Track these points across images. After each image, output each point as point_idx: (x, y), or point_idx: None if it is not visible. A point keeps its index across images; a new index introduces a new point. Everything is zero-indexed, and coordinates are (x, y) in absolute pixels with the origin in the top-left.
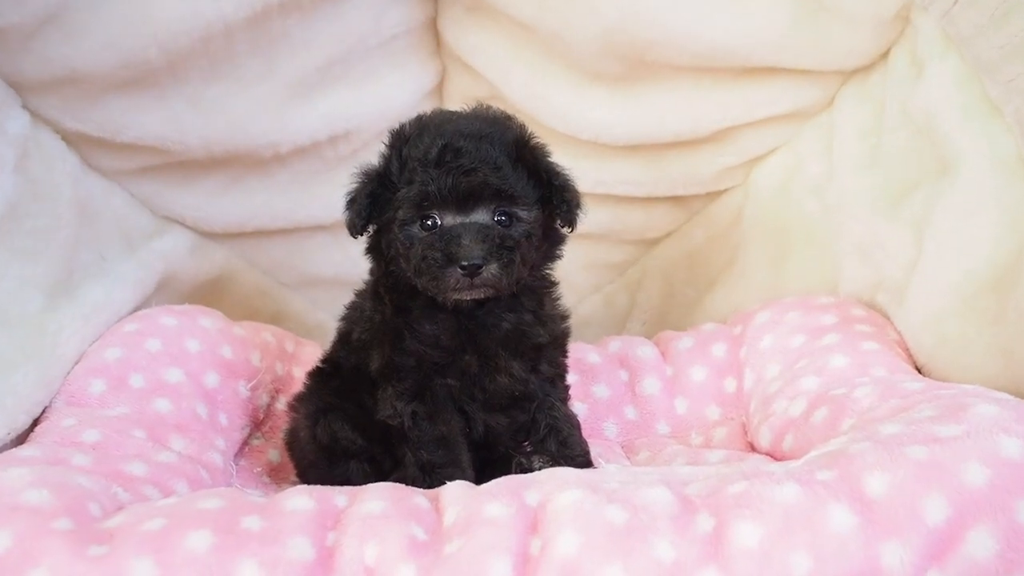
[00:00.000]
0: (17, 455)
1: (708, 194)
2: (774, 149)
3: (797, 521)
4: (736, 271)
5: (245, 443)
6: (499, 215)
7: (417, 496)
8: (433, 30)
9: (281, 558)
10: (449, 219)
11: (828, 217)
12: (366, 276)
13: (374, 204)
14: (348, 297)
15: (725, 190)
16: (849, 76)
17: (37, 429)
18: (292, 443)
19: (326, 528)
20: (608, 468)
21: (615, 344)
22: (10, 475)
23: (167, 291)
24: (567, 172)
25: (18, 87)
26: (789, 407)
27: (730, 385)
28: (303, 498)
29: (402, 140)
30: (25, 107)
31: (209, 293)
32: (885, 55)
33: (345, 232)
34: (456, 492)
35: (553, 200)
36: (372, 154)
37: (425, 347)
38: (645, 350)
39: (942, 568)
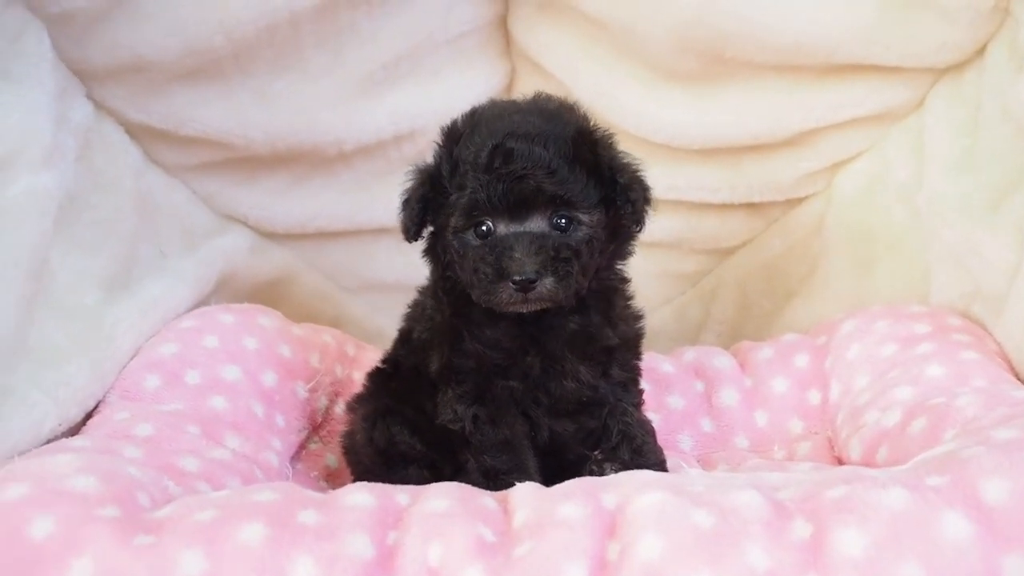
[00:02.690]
0: (67, 444)
1: (787, 201)
2: (859, 153)
3: (906, 528)
4: (817, 281)
5: (302, 446)
6: (557, 220)
7: (484, 496)
8: (502, 29)
9: (339, 555)
10: (502, 227)
11: (917, 224)
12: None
13: (427, 208)
14: (409, 304)
15: (805, 197)
16: (941, 74)
17: (90, 422)
18: (349, 446)
19: (387, 526)
20: (691, 472)
21: (689, 354)
22: (56, 460)
23: (226, 291)
24: (636, 164)
25: (83, 75)
26: (882, 418)
27: (814, 397)
28: (363, 494)
29: (454, 138)
30: (89, 97)
31: (268, 295)
32: (981, 51)
33: None
34: (526, 493)
35: (618, 199)
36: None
37: (485, 348)
38: (722, 360)
39: None
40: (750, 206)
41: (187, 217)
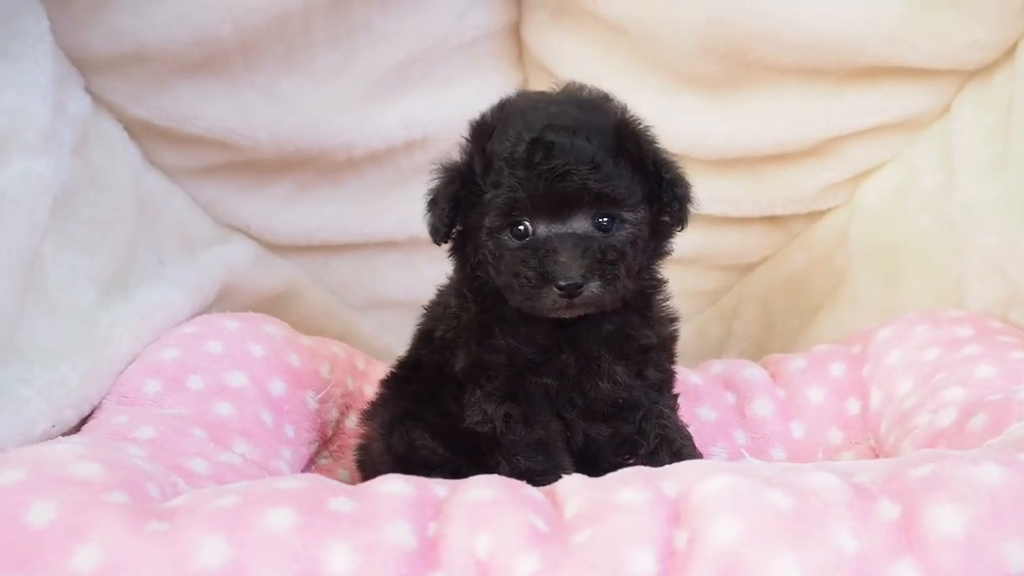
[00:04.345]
0: (64, 439)
1: (809, 214)
2: (883, 163)
3: (1007, 504)
4: (843, 295)
5: (312, 461)
6: (600, 220)
7: (528, 488)
8: (515, 37)
9: (378, 543)
10: (542, 228)
11: (945, 233)
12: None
13: (458, 207)
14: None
15: (828, 210)
16: (967, 79)
17: (85, 426)
18: (364, 459)
19: (426, 517)
20: (752, 460)
21: (717, 366)
22: (57, 449)
23: (227, 304)
24: (675, 160)
25: (81, 65)
26: (935, 419)
27: (853, 406)
28: (399, 483)
29: (485, 133)
30: (87, 90)
31: (272, 310)
32: (1011, 52)
33: (417, 251)
34: (575, 483)
35: (663, 196)
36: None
37: (518, 343)
38: (752, 372)
39: None
40: (771, 220)
41: (186, 224)
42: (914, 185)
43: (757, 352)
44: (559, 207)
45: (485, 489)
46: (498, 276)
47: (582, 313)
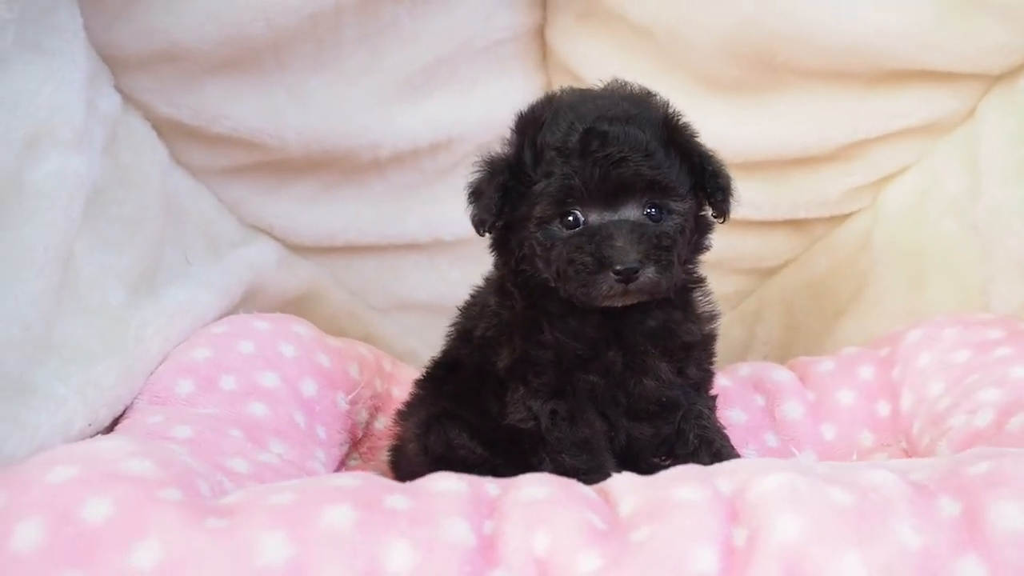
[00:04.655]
0: (110, 435)
1: (831, 218)
2: (906, 167)
3: None
4: (867, 299)
5: (342, 462)
6: (650, 208)
7: (580, 486)
8: (540, 40)
9: (437, 540)
10: (594, 216)
11: (968, 238)
12: (466, 298)
13: (505, 198)
14: (442, 324)
15: (850, 213)
16: (992, 83)
17: (119, 427)
18: (398, 460)
19: (482, 515)
20: (802, 458)
21: (745, 369)
22: (107, 445)
23: (252, 305)
24: (716, 153)
25: (112, 63)
26: (971, 420)
27: (883, 409)
28: (453, 481)
29: (534, 125)
30: (117, 88)
31: (295, 311)
32: None
33: (440, 253)
34: (627, 481)
35: (707, 187)
36: (471, 168)
37: (566, 338)
38: (780, 374)
39: None
40: (793, 223)
41: (212, 224)
42: (936, 190)
43: (780, 356)
44: (612, 195)
45: (540, 487)
46: (547, 267)
47: (634, 301)
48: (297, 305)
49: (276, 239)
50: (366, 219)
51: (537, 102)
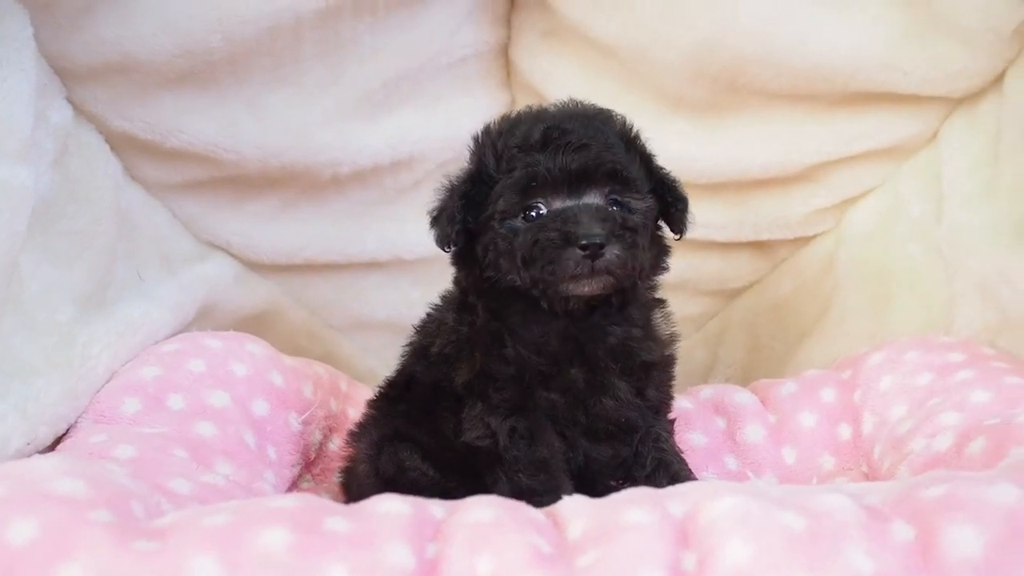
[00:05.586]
0: (43, 456)
1: (795, 240)
2: (870, 190)
3: None
4: (831, 321)
5: (294, 484)
6: (612, 199)
7: (529, 509)
8: (504, 58)
9: (378, 564)
10: (558, 203)
11: (932, 260)
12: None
13: (468, 206)
14: (402, 343)
15: (815, 236)
16: (955, 106)
17: (60, 446)
18: (349, 482)
19: (425, 538)
20: (758, 482)
21: (706, 391)
22: (39, 464)
23: (207, 323)
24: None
25: (64, 74)
26: (932, 443)
27: (845, 432)
28: (396, 502)
29: (494, 135)
30: (69, 100)
31: (252, 329)
32: (998, 80)
33: (401, 273)
34: (577, 504)
35: (667, 197)
36: (434, 187)
37: (528, 353)
38: (742, 396)
39: None
40: (757, 245)
41: (166, 240)
42: (900, 212)
43: (743, 378)
44: (576, 182)
45: (485, 510)
46: (512, 260)
47: (600, 289)
48: (255, 323)
49: (234, 256)
50: (326, 237)
51: (494, 120)
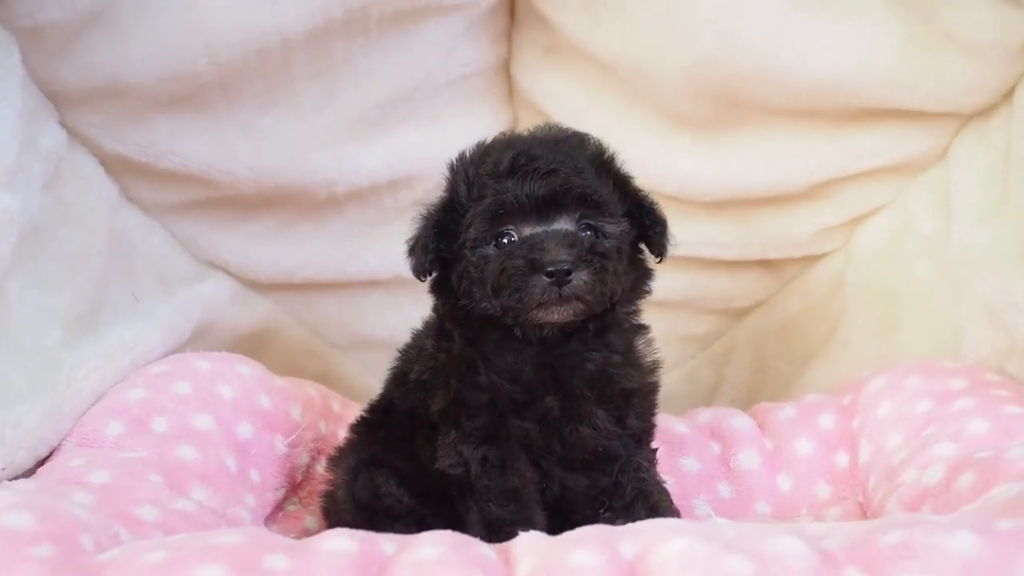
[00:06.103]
0: (6, 484)
1: (803, 258)
2: (879, 207)
3: None
4: (838, 342)
5: (279, 507)
6: (584, 224)
7: (480, 546)
8: (505, 74)
9: None
10: (528, 230)
11: (943, 280)
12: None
13: (442, 235)
14: None
15: (823, 255)
16: (965, 122)
17: (40, 469)
18: (329, 507)
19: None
20: (718, 520)
21: (704, 415)
22: None
23: (204, 342)
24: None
25: (55, 99)
26: (922, 476)
27: (842, 460)
28: (343, 540)
29: (466, 163)
30: (62, 124)
31: (250, 348)
32: (1008, 95)
33: (401, 291)
34: (530, 541)
35: (645, 220)
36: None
37: (502, 381)
38: (740, 421)
39: None
40: (764, 263)
41: (163, 261)
42: (910, 231)
43: (749, 399)
44: (545, 207)
45: (432, 548)
46: (483, 288)
47: (571, 316)
48: (253, 341)
49: (231, 275)
50: (325, 256)
51: (468, 147)
